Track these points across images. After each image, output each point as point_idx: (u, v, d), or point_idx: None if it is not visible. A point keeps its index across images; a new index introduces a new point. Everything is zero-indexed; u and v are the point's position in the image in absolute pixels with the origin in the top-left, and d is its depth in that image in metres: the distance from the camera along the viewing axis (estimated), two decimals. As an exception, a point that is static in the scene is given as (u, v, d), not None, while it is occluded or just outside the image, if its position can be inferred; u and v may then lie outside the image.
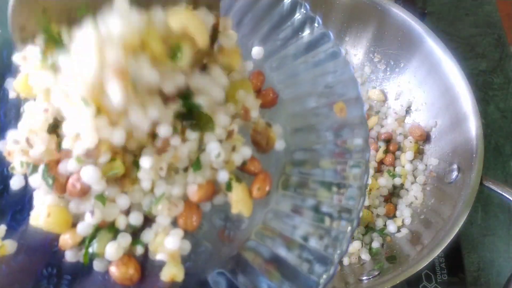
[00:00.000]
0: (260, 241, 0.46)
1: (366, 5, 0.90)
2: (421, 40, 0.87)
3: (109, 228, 0.41)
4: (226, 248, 0.46)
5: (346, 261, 0.78)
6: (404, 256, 0.73)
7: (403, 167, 0.86)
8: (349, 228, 0.44)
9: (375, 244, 0.79)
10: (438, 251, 0.67)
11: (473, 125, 0.76)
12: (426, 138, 0.87)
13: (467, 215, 0.68)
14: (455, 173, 0.77)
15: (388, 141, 0.90)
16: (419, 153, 0.87)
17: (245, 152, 0.45)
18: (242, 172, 0.46)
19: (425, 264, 0.66)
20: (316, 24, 0.52)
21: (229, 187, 0.44)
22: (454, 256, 0.84)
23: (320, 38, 0.52)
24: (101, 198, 0.39)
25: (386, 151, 0.88)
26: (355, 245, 0.78)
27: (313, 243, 0.45)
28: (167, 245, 0.40)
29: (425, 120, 0.89)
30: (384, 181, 0.83)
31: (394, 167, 0.87)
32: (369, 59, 0.97)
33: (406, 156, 0.86)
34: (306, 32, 0.53)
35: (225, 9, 0.55)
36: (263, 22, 0.55)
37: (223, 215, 0.46)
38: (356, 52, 0.98)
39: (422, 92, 0.89)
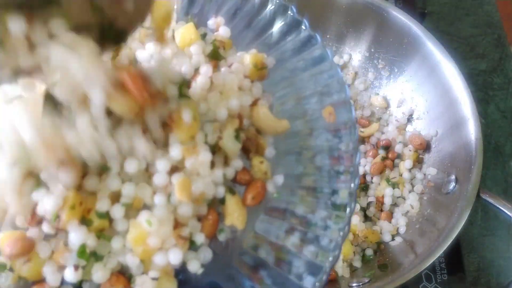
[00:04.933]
0: (253, 251, 0.47)
1: (367, 9, 0.91)
2: (420, 43, 0.87)
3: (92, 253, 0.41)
4: (221, 258, 0.46)
5: (340, 271, 0.79)
6: (396, 265, 0.75)
7: (401, 175, 0.88)
8: (340, 235, 0.44)
9: (369, 251, 0.81)
10: (430, 261, 0.69)
11: (472, 131, 0.77)
12: (426, 147, 0.88)
13: (462, 226, 0.70)
14: (452, 184, 0.78)
15: (387, 148, 0.91)
16: (418, 162, 0.88)
17: (237, 164, 0.46)
18: (233, 182, 0.46)
19: (416, 274, 0.68)
20: (303, 27, 0.52)
21: (222, 200, 0.45)
22: (454, 256, 0.86)
23: (307, 40, 0.52)
24: (84, 254, 0.40)
25: (385, 158, 0.90)
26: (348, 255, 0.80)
27: (305, 251, 0.45)
28: (157, 261, 0.41)
29: (426, 129, 0.90)
30: (388, 191, 0.85)
31: (390, 178, 0.88)
32: (373, 65, 0.98)
33: (405, 165, 0.87)
34: (292, 35, 0.53)
35: (215, 10, 0.55)
36: (249, 26, 0.55)
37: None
38: (359, 57, 0.99)
39: (424, 101, 0.90)
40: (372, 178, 0.89)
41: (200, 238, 0.43)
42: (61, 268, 0.40)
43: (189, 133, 0.43)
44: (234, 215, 0.44)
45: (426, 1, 1.15)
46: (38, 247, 0.40)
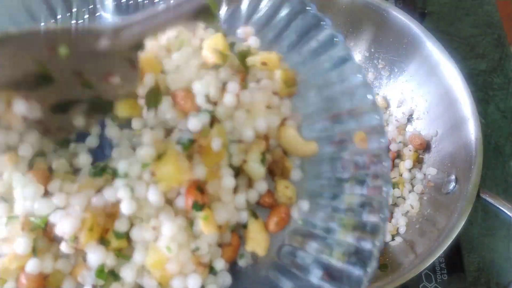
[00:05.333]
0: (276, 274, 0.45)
1: (367, 9, 0.91)
2: (420, 43, 0.87)
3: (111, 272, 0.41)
4: (239, 283, 0.44)
5: None
6: (396, 265, 0.75)
7: (401, 175, 0.88)
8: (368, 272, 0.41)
9: (368, 252, 0.81)
10: (430, 261, 0.68)
11: (472, 131, 0.77)
12: (426, 147, 0.88)
13: (462, 226, 0.70)
14: (452, 184, 0.78)
15: (386, 147, 0.91)
16: (418, 162, 0.88)
17: (261, 187, 0.44)
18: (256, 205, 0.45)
19: (416, 274, 0.68)
20: (336, 40, 0.49)
21: (245, 224, 0.43)
22: (454, 256, 0.86)
23: (341, 57, 0.48)
24: (102, 274, 0.39)
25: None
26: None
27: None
28: (175, 286, 0.40)
29: (426, 129, 0.90)
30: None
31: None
32: (373, 65, 0.98)
33: (405, 165, 0.87)
34: (325, 49, 0.49)
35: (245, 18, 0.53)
36: (279, 38, 0.52)
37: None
38: (359, 57, 0.99)
39: (424, 101, 0.90)
40: (372, 178, 0.88)
41: (220, 264, 0.42)
42: (79, 286, 0.40)
43: (216, 160, 0.41)
44: (256, 240, 0.43)
45: (426, 1, 1.15)
46: (58, 264, 0.40)
